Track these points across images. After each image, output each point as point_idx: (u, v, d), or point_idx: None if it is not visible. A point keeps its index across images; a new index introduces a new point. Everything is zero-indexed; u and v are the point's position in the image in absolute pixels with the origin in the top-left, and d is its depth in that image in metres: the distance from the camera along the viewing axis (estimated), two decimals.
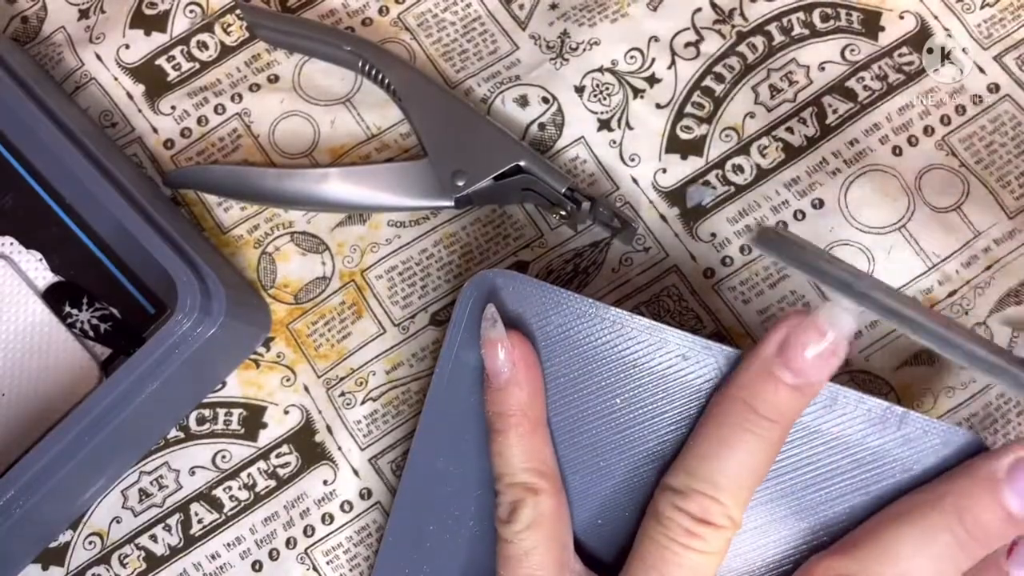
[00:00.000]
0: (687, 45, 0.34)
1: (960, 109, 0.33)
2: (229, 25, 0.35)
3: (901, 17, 0.33)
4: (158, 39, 0.35)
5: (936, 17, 0.33)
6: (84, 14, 0.35)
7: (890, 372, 0.31)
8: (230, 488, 0.32)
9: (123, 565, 0.32)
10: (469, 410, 0.28)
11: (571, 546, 0.27)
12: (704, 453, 0.24)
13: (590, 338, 0.27)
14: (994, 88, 0.33)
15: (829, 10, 0.33)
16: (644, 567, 0.25)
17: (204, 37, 0.35)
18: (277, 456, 0.32)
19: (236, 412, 0.32)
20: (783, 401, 0.24)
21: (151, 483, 0.32)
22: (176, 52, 0.35)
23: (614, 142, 0.33)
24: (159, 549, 0.32)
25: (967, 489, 0.24)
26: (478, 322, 0.27)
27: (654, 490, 0.26)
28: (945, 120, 0.33)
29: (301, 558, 0.31)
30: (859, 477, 0.26)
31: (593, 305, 0.27)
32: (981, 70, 0.33)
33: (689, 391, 0.26)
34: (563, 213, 0.32)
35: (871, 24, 0.33)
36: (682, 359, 0.26)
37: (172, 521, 0.32)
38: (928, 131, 0.32)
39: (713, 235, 0.32)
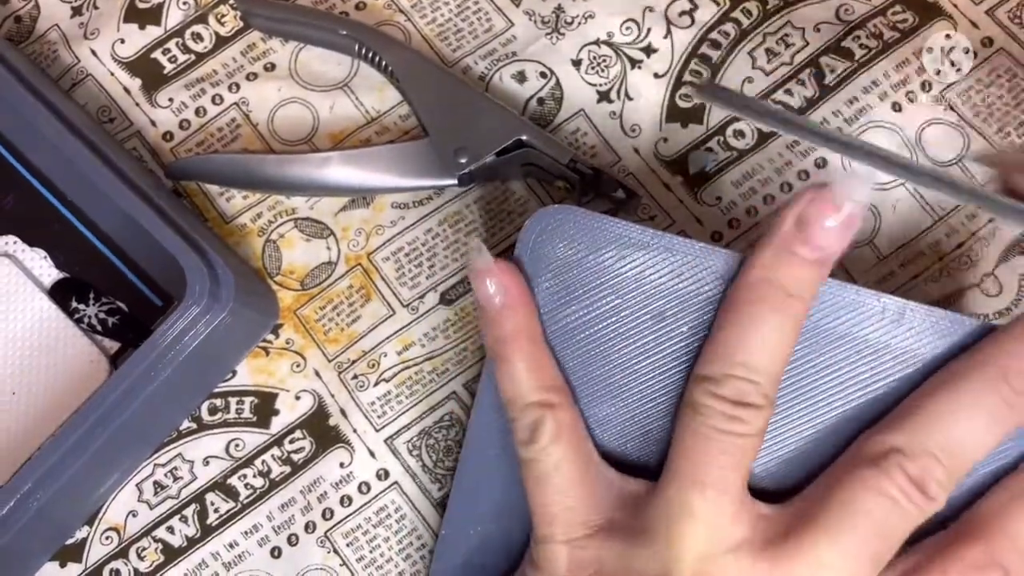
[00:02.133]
0: (682, 14, 0.34)
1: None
2: (223, 16, 0.35)
3: None
4: (153, 32, 0.34)
5: None
6: (77, 11, 0.35)
7: None
8: (245, 476, 0.32)
9: (141, 558, 0.31)
10: None
11: (596, 455, 0.26)
12: (731, 337, 0.24)
13: (664, 274, 0.26)
14: (987, 42, 0.33)
15: None
16: (687, 459, 0.24)
17: (198, 29, 0.35)
18: (291, 442, 0.32)
19: (248, 400, 0.32)
20: (805, 276, 0.24)
21: (166, 475, 0.32)
22: (171, 45, 0.34)
23: (614, 113, 0.33)
24: (176, 540, 0.32)
25: (1009, 347, 0.24)
26: (541, 259, 0.27)
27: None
28: (941, 75, 0.33)
29: (321, 541, 0.31)
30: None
31: (665, 237, 0.26)
32: (974, 25, 0.33)
33: None
34: (567, 186, 0.32)
35: None
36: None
37: (188, 512, 0.32)
38: (926, 87, 0.33)
39: (718, 199, 0.32)
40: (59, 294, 0.32)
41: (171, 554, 0.31)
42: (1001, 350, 0.24)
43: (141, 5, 0.35)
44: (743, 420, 0.24)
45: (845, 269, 0.32)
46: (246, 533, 0.31)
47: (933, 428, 0.23)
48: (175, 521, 0.32)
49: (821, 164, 0.32)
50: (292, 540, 0.31)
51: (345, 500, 0.31)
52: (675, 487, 0.24)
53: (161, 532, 0.32)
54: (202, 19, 0.35)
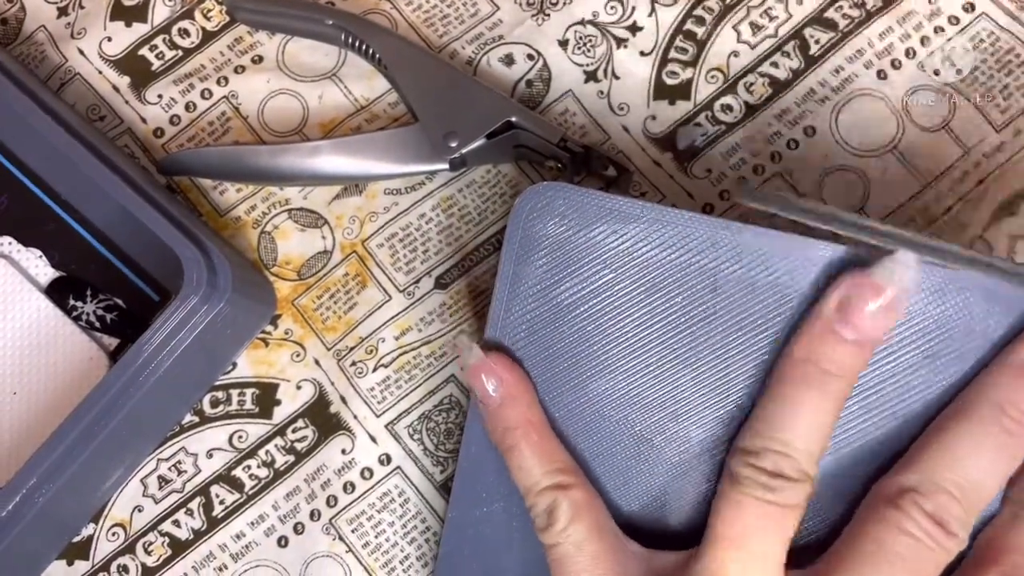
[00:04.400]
0: None
1: (938, 30, 0.33)
2: (209, 10, 0.35)
3: None
4: (139, 29, 0.35)
5: None
6: (63, 11, 0.35)
7: None
8: (249, 467, 0.32)
9: (148, 553, 0.32)
10: (532, 324, 0.27)
11: (618, 530, 0.27)
12: (772, 414, 0.25)
13: (656, 245, 0.26)
14: (969, 7, 0.33)
15: None
16: (726, 525, 0.25)
17: (185, 24, 0.35)
18: (293, 431, 0.32)
19: (249, 392, 0.32)
20: (846, 357, 0.24)
21: (169, 469, 0.32)
22: (158, 41, 0.35)
23: (602, 93, 0.33)
24: (183, 534, 0.32)
25: (1003, 378, 0.24)
26: (532, 237, 0.27)
27: (717, 450, 0.26)
28: (925, 41, 0.33)
29: (326, 529, 0.31)
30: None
31: (656, 209, 0.26)
32: None
33: (773, 297, 0.26)
34: (558, 166, 0.32)
35: None
36: (763, 263, 0.26)
37: (194, 505, 0.32)
38: (910, 53, 0.33)
39: (708, 171, 0.33)
40: (56, 292, 0.32)
41: (178, 547, 0.32)
42: (996, 385, 0.24)
43: (127, 3, 0.35)
44: (779, 490, 0.24)
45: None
46: (252, 523, 0.32)
47: (942, 465, 0.24)
48: (181, 515, 0.32)
49: (810, 133, 0.33)
50: (298, 529, 0.31)
51: (348, 487, 0.32)
52: (711, 554, 0.25)
53: (167, 526, 0.32)
54: (188, 15, 0.35)
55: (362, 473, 0.32)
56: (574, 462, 0.27)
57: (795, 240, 0.25)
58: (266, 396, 0.32)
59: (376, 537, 0.31)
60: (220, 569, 0.31)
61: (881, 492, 0.25)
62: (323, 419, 0.32)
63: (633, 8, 0.34)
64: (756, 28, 0.33)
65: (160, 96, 0.34)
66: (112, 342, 0.32)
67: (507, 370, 0.27)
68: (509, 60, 0.34)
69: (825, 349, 0.24)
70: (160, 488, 0.32)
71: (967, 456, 0.24)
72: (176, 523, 0.32)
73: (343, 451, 0.32)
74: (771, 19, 0.33)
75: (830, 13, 0.33)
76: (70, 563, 0.32)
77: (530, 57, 0.34)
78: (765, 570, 0.24)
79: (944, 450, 0.24)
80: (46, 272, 0.33)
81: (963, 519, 0.24)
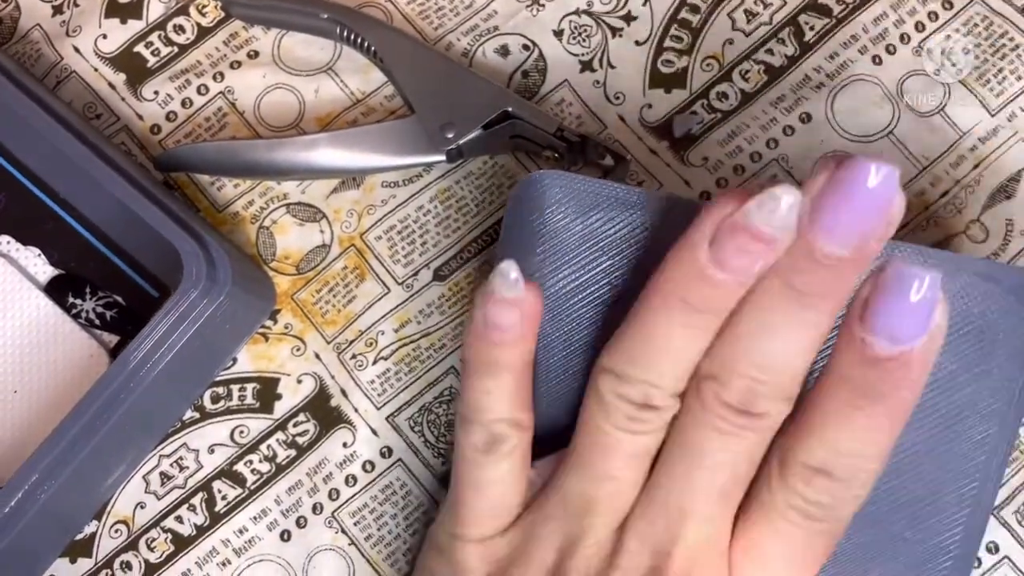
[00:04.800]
0: None
1: (932, 15, 0.33)
2: (204, 6, 0.35)
3: None
4: (135, 26, 0.35)
5: None
6: (58, 9, 0.35)
7: None
8: (251, 462, 0.32)
9: (151, 549, 0.32)
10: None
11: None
12: (634, 339, 0.24)
13: (654, 233, 0.26)
14: None
15: None
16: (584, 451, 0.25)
17: (180, 20, 0.35)
18: (295, 425, 0.32)
19: (250, 386, 0.32)
20: (715, 296, 0.23)
21: (171, 465, 0.32)
22: (153, 38, 0.35)
23: (597, 82, 0.33)
24: (186, 530, 0.32)
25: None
26: (529, 226, 0.27)
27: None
28: (919, 27, 0.33)
29: (329, 522, 0.31)
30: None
31: (653, 197, 0.26)
32: None
33: None
34: (555, 156, 0.32)
35: None
36: None
37: (196, 500, 0.32)
38: (904, 39, 0.33)
39: (705, 159, 0.33)
40: (55, 290, 0.32)
41: (181, 543, 0.32)
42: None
43: (122, 0, 0.35)
44: (644, 421, 0.24)
45: None
46: (255, 518, 0.32)
47: (737, 351, 0.23)
48: (183, 510, 0.32)
49: (806, 119, 0.33)
50: (300, 522, 0.32)
51: (350, 480, 0.32)
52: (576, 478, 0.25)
53: (170, 522, 0.32)
54: (183, 11, 0.35)
55: (364, 466, 0.32)
56: (531, 399, 0.26)
57: None
58: (267, 391, 0.32)
59: (379, 530, 0.31)
60: (223, 564, 0.31)
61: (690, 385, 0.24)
62: (324, 413, 0.32)
63: None
64: (750, 15, 0.33)
65: (156, 93, 0.34)
66: (112, 339, 0.32)
67: (536, 308, 0.25)
68: (504, 51, 0.34)
69: (691, 286, 0.23)
70: (162, 484, 0.32)
71: (759, 338, 0.23)
72: (179, 519, 0.32)
73: (344, 444, 0.32)
74: (765, 6, 0.33)
75: None
76: (73, 560, 0.32)
77: (525, 48, 0.34)
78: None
79: (736, 337, 0.23)
80: (45, 270, 0.33)
81: (770, 396, 0.23)
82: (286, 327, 0.33)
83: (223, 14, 0.35)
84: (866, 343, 0.21)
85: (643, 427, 0.24)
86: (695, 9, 0.34)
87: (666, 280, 0.23)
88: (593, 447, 0.24)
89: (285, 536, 0.32)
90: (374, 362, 0.32)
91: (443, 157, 0.32)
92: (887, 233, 0.21)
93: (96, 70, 0.34)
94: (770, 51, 0.33)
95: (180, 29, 0.35)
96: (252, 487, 0.32)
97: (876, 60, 0.33)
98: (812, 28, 0.33)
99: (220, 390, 0.32)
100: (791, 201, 0.21)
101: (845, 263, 0.21)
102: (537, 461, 0.26)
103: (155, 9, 0.35)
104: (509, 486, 0.26)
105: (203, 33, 0.35)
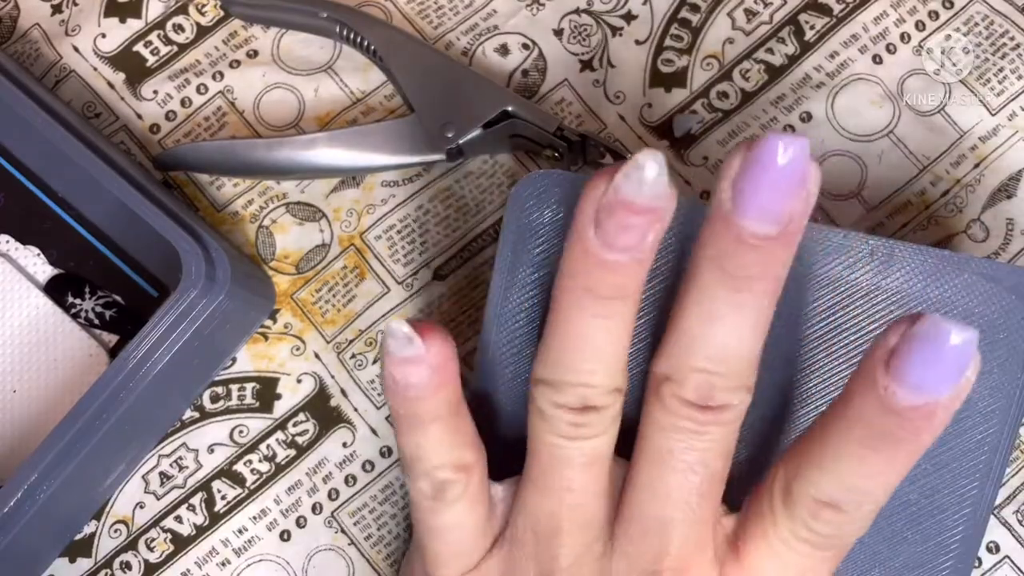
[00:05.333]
0: None
1: (933, 15, 0.33)
2: (203, 5, 0.35)
3: None
4: (134, 25, 0.35)
5: None
6: (57, 8, 0.35)
7: None
8: (250, 462, 0.32)
9: (151, 549, 0.32)
10: (530, 311, 0.27)
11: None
12: (556, 343, 0.23)
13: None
14: None
15: None
16: (534, 469, 0.24)
17: (179, 20, 0.35)
18: (294, 425, 0.32)
19: (249, 386, 0.32)
20: (616, 278, 0.22)
21: (171, 465, 0.32)
22: (153, 37, 0.35)
23: (597, 81, 0.33)
24: (185, 529, 0.32)
25: (713, 238, 0.22)
26: (528, 225, 0.26)
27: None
28: (920, 26, 0.33)
29: (328, 522, 0.31)
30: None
31: None
32: None
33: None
34: (555, 155, 0.32)
35: None
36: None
37: (196, 500, 0.32)
38: (904, 38, 0.33)
39: (705, 158, 0.33)
40: (54, 290, 0.32)
41: (181, 543, 0.32)
42: (704, 242, 0.22)
43: None
44: (588, 425, 0.23)
45: (833, 221, 0.32)
46: (255, 518, 0.32)
47: (685, 346, 0.22)
48: (183, 510, 0.32)
49: (806, 118, 0.33)
50: (300, 522, 0.31)
51: (350, 479, 0.32)
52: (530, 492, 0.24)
53: (169, 522, 0.32)
54: (182, 10, 0.35)
55: (363, 466, 0.32)
56: (474, 431, 0.25)
57: None
58: (266, 390, 0.32)
59: (378, 530, 0.31)
60: (223, 564, 0.31)
61: (648, 384, 0.24)
62: (324, 412, 0.32)
63: None
64: (750, 15, 0.33)
65: (155, 92, 0.34)
66: (111, 339, 0.32)
67: (444, 354, 0.24)
68: (504, 50, 0.34)
69: (590, 273, 0.22)
70: (161, 484, 0.32)
71: (706, 325, 0.22)
72: (178, 519, 0.32)
73: (344, 444, 0.32)
74: (766, 5, 0.33)
75: None
76: (72, 560, 0.32)
77: (525, 47, 0.34)
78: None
79: (682, 332, 0.23)
80: (44, 270, 0.33)
81: (729, 387, 0.22)
82: (286, 327, 0.33)
83: (222, 13, 0.34)
84: (889, 391, 0.20)
85: (589, 431, 0.23)
86: (695, 8, 0.34)
87: (566, 275, 0.23)
88: (544, 462, 0.24)
89: (285, 536, 0.31)
90: (374, 361, 0.32)
91: (443, 156, 0.32)
92: (807, 207, 0.21)
93: (95, 69, 0.34)
94: (770, 50, 0.33)
95: (179, 28, 0.35)
96: (252, 487, 0.32)
97: (876, 59, 0.33)
98: (812, 27, 0.33)
99: (219, 390, 0.32)
100: (656, 165, 0.20)
101: (772, 242, 0.21)
102: (504, 481, 0.26)
103: (154, 8, 0.35)
104: (467, 528, 0.25)
105: (202, 32, 0.34)
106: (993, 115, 0.32)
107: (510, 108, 0.31)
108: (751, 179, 0.20)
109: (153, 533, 0.32)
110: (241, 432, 0.32)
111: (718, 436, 0.23)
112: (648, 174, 0.20)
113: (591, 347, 0.23)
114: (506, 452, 0.27)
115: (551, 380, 0.23)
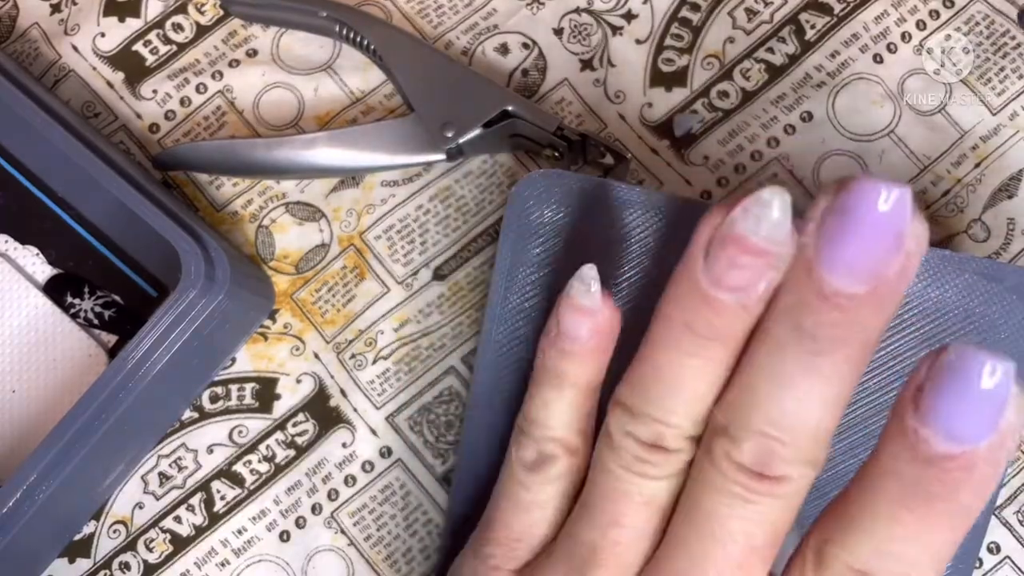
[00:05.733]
0: None
1: (934, 14, 0.33)
2: (202, 4, 0.35)
3: None
4: (133, 25, 0.34)
5: None
6: (56, 8, 0.35)
7: None
8: (250, 462, 0.32)
9: (150, 550, 0.31)
10: (530, 311, 0.27)
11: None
12: (644, 370, 0.22)
13: (653, 232, 0.26)
14: None
15: None
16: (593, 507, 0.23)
17: (179, 19, 0.35)
18: (294, 425, 0.32)
19: (248, 386, 0.32)
20: (722, 320, 0.20)
21: (170, 465, 0.32)
22: (152, 36, 0.34)
23: (598, 81, 0.33)
24: (184, 530, 0.32)
25: (797, 295, 0.20)
26: (529, 225, 0.26)
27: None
28: (921, 25, 0.33)
29: (328, 522, 0.31)
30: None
31: (653, 195, 0.26)
32: None
33: None
34: (555, 155, 0.32)
35: None
36: None
37: (195, 501, 0.32)
38: (905, 37, 0.33)
39: (706, 158, 0.32)
40: (54, 290, 0.32)
41: (180, 544, 0.31)
42: (784, 286, 0.20)
43: None
44: (653, 464, 0.22)
45: None
46: (254, 519, 0.32)
47: (749, 404, 0.20)
48: (182, 511, 0.32)
49: (807, 118, 0.33)
50: (300, 523, 0.31)
51: (349, 480, 0.32)
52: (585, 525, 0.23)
53: (169, 522, 0.32)
54: (182, 9, 0.35)
55: (363, 466, 0.32)
56: (594, 429, 0.24)
57: (797, 225, 0.25)
58: (266, 390, 0.32)
59: (378, 530, 0.31)
60: (222, 565, 0.31)
61: (703, 444, 0.22)
62: (323, 413, 0.32)
63: None
64: (751, 14, 0.33)
65: (155, 91, 0.34)
66: (111, 339, 0.32)
67: (611, 325, 0.23)
68: (504, 50, 0.34)
69: (693, 309, 0.20)
70: (161, 485, 0.32)
71: (770, 391, 0.20)
72: (177, 519, 0.32)
73: (344, 444, 0.32)
74: (766, 4, 0.33)
75: None
76: (71, 561, 0.32)
77: (525, 46, 0.34)
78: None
79: (747, 387, 0.20)
80: (43, 270, 0.33)
81: (789, 458, 0.20)
82: (285, 327, 0.33)
83: (222, 12, 0.34)
84: (920, 437, 0.18)
85: (653, 471, 0.22)
86: (695, 8, 0.33)
87: (668, 302, 0.21)
88: (600, 490, 0.23)
89: (284, 536, 0.31)
90: (373, 362, 0.32)
91: (443, 156, 0.32)
92: (908, 266, 0.18)
93: (94, 69, 0.34)
94: (771, 50, 0.33)
95: (179, 28, 0.34)
96: (251, 487, 0.32)
97: (877, 59, 0.33)
98: (813, 26, 0.33)
99: (219, 390, 0.32)
100: (780, 206, 0.19)
101: (860, 303, 0.18)
102: None
103: (153, 7, 0.35)
104: (547, 515, 0.24)
105: (202, 31, 0.34)
106: (994, 115, 0.32)
107: (510, 108, 0.31)
108: (839, 227, 0.18)
109: (152, 533, 0.32)
110: (240, 432, 0.32)
111: (770, 509, 0.20)
112: (771, 213, 0.19)
113: (676, 385, 0.21)
114: (504, 454, 0.27)
115: (629, 405, 0.22)
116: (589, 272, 0.23)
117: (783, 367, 0.20)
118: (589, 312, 0.23)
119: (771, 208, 0.19)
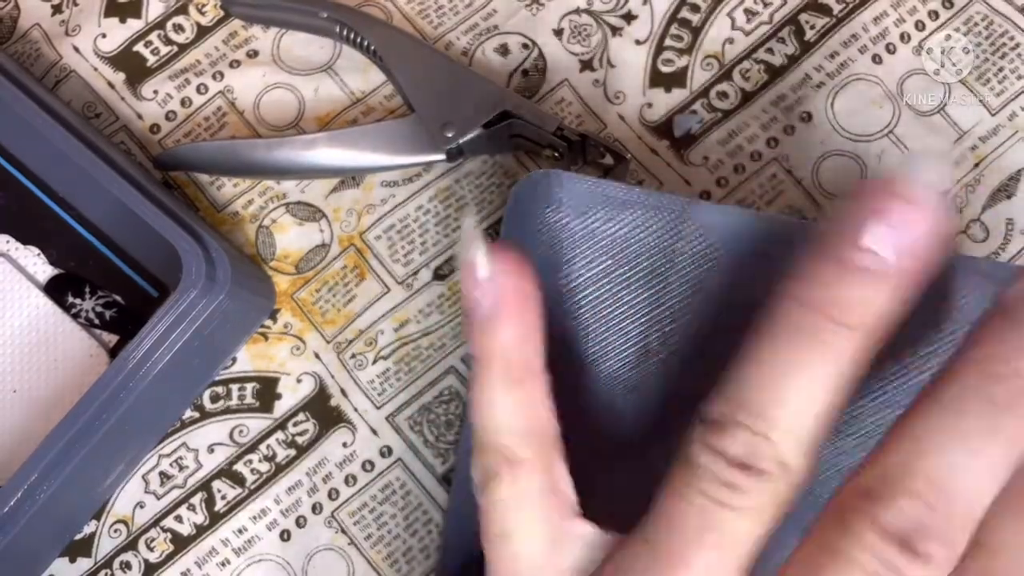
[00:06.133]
0: None
1: (933, 15, 0.33)
2: (203, 5, 0.35)
3: None
4: (134, 25, 0.35)
5: None
6: (57, 9, 0.35)
7: None
8: (251, 462, 0.32)
9: (151, 549, 0.32)
10: None
11: (571, 514, 0.21)
12: (752, 375, 0.18)
13: (653, 232, 0.26)
14: None
15: None
16: (660, 531, 0.19)
17: (179, 20, 0.35)
18: (294, 425, 0.32)
19: (249, 386, 0.32)
20: (859, 296, 0.17)
21: (171, 465, 0.32)
22: (153, 37, 0.35)
23: (597, 81, 0.33)
24: (185, 529, 0.32)
25: (990, 335, 0.18)
26: (529, 225, 0.26)
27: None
28: (920, 26, 0.33)
29: (328, 522, 0.31)
30: None
31: (653, 196, 0.26)
32: None
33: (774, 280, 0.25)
34: (555, 155, 0.32)
35: None
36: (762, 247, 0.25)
37: (196, 500, 0.32)
38: (904, 38, 0.33)
39: (705, 158, 0.33)
40: (55, 290, 0.32)
41: (180, 543, 0.32)
42: (983, 345, 0.18)
43: None
44: (745, 492, 0.18)
45: None
46: (255, 518, 0.32)
47: (909, 457, 0.17)
48: (183, 510, 0.32)
49: (806, 118, 0.33)
50: (300, 522, 0.31)
51: (350, 479, 0.32)
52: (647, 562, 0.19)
53: (169, 522, 0.32)
54: (183, 10, 0.35)
55: (363, 466, 0.32)
56: (553, 430, 0.21)
57: (793, 223, 0.25)
58: (266, 390, 0.32)
59: (378, 529, 0.31)
60: (223, 564, 0.31)
61: (839, 502, 0.18)
62: (324, 412, 0.32)
63: None
64: (750, 15, 0.33)
65: (156, 92, 0.34)
66: (112, 339, 0.32)
67: (514, 284, 0.20)
68: (504, 50, 0.34)
69: (831, 287, 0.17)
70: (161, 484, 0.32)
71: (941, 443, 0.17)
72: (178, 519, 0.32)
73: (344, 444, 0.32)
74: (765, 5, 0.33)
75: None
76: (72, 560, 0.32)
77: (525, 47, 0.34)
78: None
79: (908, 438, 0.17)
80: (44, 270, 0.33)
81: (939, 533, 0.17)
82: (286, 326, 0.33)
83: (222, 13, 0.34)
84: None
85: (738, 500, 0.18)
86: (695, 8, 0.34)
87: (791, 284, 0.18)
88: (667, 522, 0.19)
89: (285, 536, 0.31)
90: (374, 361, 0.32)
91: (443, 156, 0.32)
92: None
93: (95, 69, 0.34)
94: (770, 50, 0.33)
95: (179, 28, 0.35)
96: (252, 487, 0.32)
97: (876, 59, 0.33)
98: (812, 27, 0.33)
99: (220, 389, 0.32)
100: (937, 167, 0.17)
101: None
102: (602, 524, 0.21)
103: (154, 8, 0.35)
104: (536, 543, 0.20)
105: (202, 32, 0.34)
106: (993, 115, 0.32)
107: (510, 108, 0.31)
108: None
109: (153, 533, 0.32)
110: (241, 432, 0.32)
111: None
112: (927, 172, 0.17)
113: (786, 385, 0.18)
114: None
115: (718, 417, 0.18)
116: (468, 223, 0.21)
117: (965, 423, 0.17)
118: (476, 266, 0.21)
119: (928, 169, 0.17)
